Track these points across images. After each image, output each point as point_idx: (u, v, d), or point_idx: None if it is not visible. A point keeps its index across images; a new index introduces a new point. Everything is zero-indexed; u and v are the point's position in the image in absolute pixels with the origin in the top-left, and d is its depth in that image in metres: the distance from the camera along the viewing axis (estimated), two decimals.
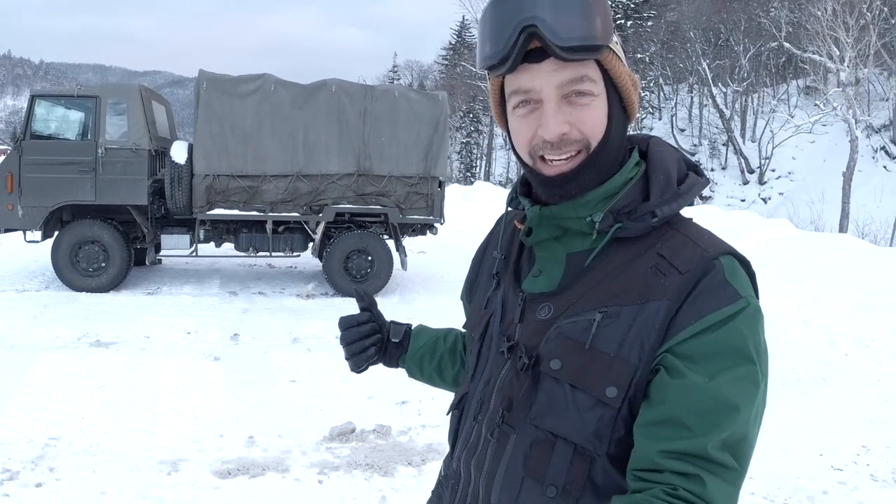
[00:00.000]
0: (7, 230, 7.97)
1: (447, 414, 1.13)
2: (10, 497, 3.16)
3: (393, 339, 1.26)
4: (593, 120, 0.88)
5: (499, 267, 1.06)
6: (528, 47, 0.84)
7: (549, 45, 0.82)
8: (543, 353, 0.91)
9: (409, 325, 1.29)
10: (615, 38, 0.90)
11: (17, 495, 3.18)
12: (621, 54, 0.91)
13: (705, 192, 34.32)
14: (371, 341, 1.23)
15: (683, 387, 0.81)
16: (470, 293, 1.17)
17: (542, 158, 0.90)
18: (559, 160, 0.89)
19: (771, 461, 3.88)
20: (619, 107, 0.92)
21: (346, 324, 1.23)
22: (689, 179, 0.95)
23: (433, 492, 1.16)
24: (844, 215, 20.49)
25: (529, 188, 1.02)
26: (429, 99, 8.70)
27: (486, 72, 0.91)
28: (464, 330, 1.29)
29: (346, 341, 1.23)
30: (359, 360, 1.22)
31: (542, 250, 0.97)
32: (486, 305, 1.05)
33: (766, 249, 10.11)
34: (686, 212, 0.95)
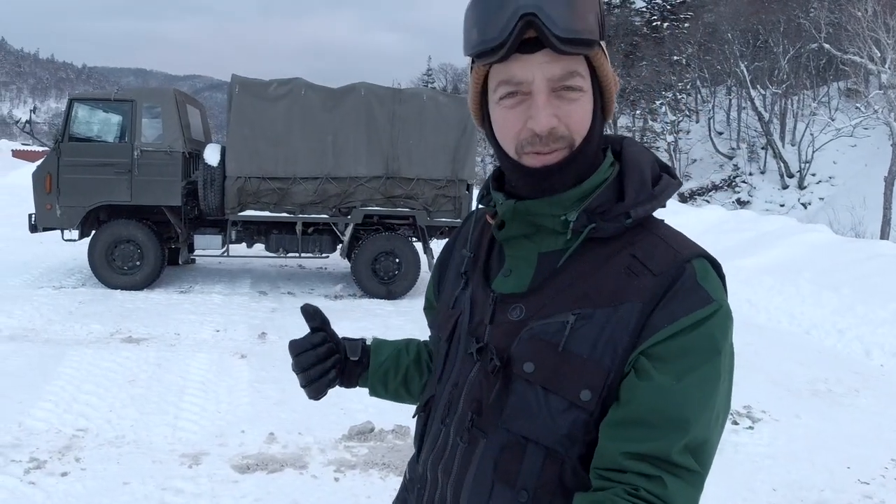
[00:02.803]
0: (46, 229, 8.21)
1: (413, 417, 1.11)
2: (36, 485, 3.27)
3: (351, 358, 1.15)
4: (580, 116, 0.87)
5: (467, 266, 1.03)
6: (523, 37, 0.83)
7: (546, 35, 0.81)
8: (515, 355, 0.89)
9: (363, 340, 1.21)
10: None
11: (42, 483, 3.29)
12: (607, 54, 0.91)
13: (744, 196, 33.73)
14: (331, 363, 1.11)
15: (650, 389, 0.81)
16: (436, 293, 1.15)
17: (529, 152, 0.88)
18: (545, 152, 0.87)
19: (796, 472, 3.80)
20: (600, 105, 0.91)
21: (300, 348, 1.10)
22: (663, 181, 0.93)
23: (397, 496, 1.14)
24: (886, 221, 19.89)
25: (502, 183, 0.99)
26: (457, 102, 8.73)
27: (472, 61, 0.90)
28: (422, 338, 1.27)
29: (301, 367, 1.09)
30: (319, 385, 1.11)
31: (513, 249, 0.96)
32: (454, 305, 1.02)
33: (802, 255, 9.88)
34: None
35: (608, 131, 0.99)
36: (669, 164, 36.05)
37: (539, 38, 0.83)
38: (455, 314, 1.01)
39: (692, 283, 0.84)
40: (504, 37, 0.82)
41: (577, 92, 0.86)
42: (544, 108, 0.84)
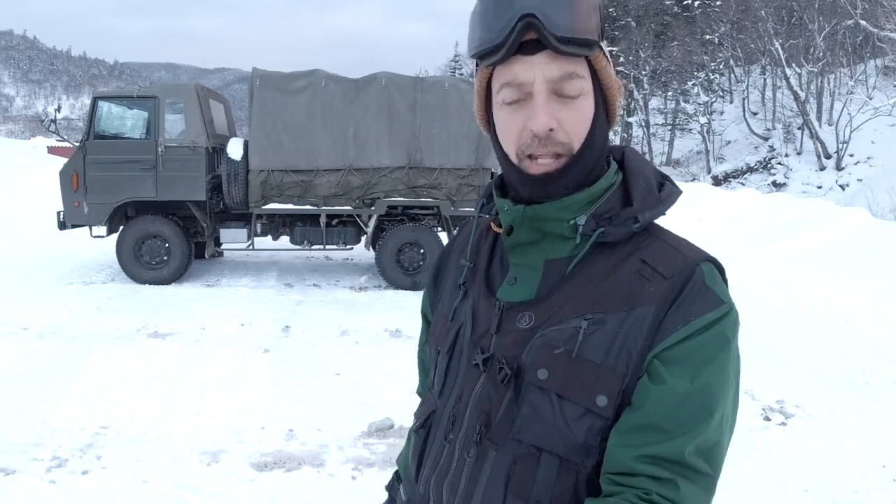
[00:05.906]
0: (74, 226, 8.35)
1: (412, 433, 1.07)
2: (57, 484, 3.30)
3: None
4: (579, 119, 0.87)
5: (466, 276, 1.01)
6: (524, 38, 0.84)
7: (545, 36, 0.82)
8: (527, 364, 0.87)
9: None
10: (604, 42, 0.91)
11: (63, 482, 3.32)
12: (609, 58, 0.91)
13: (780, 178, 32.85)
14: None
15: (663, 392, 0.81)
16: (432, 305, 1.13)
17: (529, 157, 0.88)
18: (545, 159, 0.87)
19: (829, 472, 3.65)
20: (603, 110, 0.91)
21: None
22: (667, 187, 0.94)
23: None
24: None
25: (505, 190, 0.98)
26: None
27: (476, 63, 0.91)
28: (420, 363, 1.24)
29: None
30: None
31: (517, 256, 0.94)
32: (453, 317, 1.00)
33: (840, 240, 9.57)
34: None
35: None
36: (703, 146, 35.21)
37: (540, 39, 0.83)
38: (455, 326, 0.99)
39: (701, 286, 0.85)
40: (503, 37, 0.84)
41: (578, 94, 0.86)
42: (543, 108, 0.84)
